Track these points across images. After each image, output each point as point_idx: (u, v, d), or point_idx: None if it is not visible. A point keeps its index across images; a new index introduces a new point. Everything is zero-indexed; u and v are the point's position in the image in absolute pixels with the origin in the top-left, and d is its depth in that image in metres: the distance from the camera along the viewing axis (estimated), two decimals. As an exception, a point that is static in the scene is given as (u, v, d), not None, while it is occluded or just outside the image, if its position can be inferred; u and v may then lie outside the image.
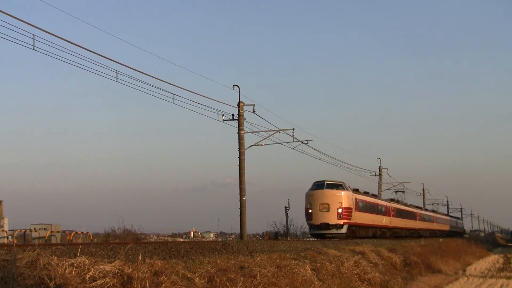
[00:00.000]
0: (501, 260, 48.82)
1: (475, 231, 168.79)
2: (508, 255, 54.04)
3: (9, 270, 9.56)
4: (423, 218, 71.81)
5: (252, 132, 36.01)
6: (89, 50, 22.23)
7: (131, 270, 10.88)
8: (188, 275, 12.00)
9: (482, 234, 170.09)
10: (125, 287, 10.48)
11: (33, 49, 19.79)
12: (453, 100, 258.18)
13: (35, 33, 19.80)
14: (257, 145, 37.07)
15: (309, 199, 39.91)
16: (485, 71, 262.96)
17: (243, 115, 34.20)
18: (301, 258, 19.41)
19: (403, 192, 75.89)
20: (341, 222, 38.85)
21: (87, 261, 10.64)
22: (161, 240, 25.96)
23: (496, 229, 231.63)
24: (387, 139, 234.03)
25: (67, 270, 10.12)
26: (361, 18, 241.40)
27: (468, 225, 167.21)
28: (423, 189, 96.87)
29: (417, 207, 72.55)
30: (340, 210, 38.73)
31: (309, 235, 47.30)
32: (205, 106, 30.86)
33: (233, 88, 34.22)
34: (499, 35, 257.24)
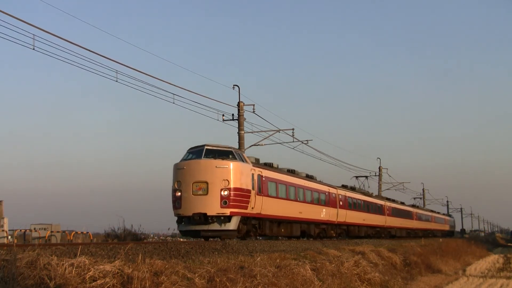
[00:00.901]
0: (501, 260, 48.80)
1: (475, 231, 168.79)
2: (508, 255, 54.01)
3: (9, 270, 9.56)
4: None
5: (252, 132, 35.97)
6: (89, 50, 22.19)
7: (131, 270, 10.88)
8: (188, 275, 12.01)
9: (482, 234, 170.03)
10: (125, 287, 10.49)
11: (33, 49, 19.79)
12: (453, 100, 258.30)
13: (35, 33, 19.75)
14: (257, 145, 37.07)
15: (178, 175, 25.17)
16: (485, 71, 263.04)
17: (243, 115, 34.20)
18: (301, 258, 19.42)
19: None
20: (228, 212, 24.18)
21: (87, 261, 10.64)
22: (161, 240, 25.88)
23: (496, 229, 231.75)
24: (387, 139, 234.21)
25: (67, 270, 10.12)
26: (361, 18, 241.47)
27: (468, 225, 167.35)
28: (423, 189, 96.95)
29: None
30: (225, 193, 24.17)
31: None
32: (205, 106, 30.78)
33: (233, 88, 34.23)
34: (500, 35, 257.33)
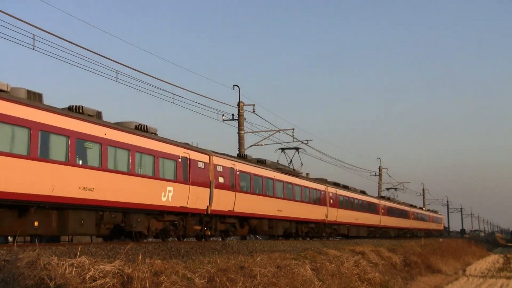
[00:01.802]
0: (501, 260, 48.86)
1: (475, 231, 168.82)
2: (508, 255, 54.05)
3: (9, 270, 9.57)
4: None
5: (252, 132, 35.97)
6: (89, 50, 22.08)
7: (131, 270, 10.88)
8: (188, 275, 12.01)
9: (482, 234, 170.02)
10: (125, 287, 10.49)
11: (33, 49, 19.75)
12: (453, 101, 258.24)
13: (35, 33, 19.62)
14: (257, 145, 37.09)
15: None
16: (485, 71, 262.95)
17: (243, 115, 34.20)
18: (301, 258, 19.41)
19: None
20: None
21: (87, 261, 10.64)
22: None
23: (496, 229, 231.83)
24: (387, 139, 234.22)
25: (67, 270, 10.12)
26: (362, 19, 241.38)
27: (468, 225, 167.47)
28: (423, 189, 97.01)
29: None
30: None
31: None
32: (205, 106, 30.73)
33: (233, 88, 34.24)
34: (500, 36, 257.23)
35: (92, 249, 14.22)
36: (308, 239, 34.66)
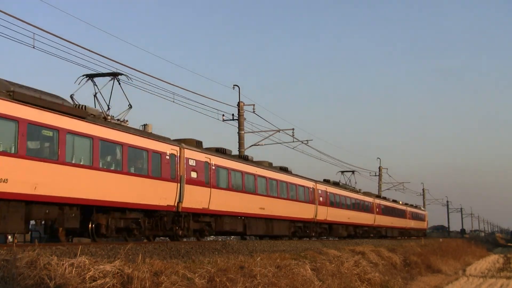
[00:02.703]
0: (501, 260, 48.87)
1: (475, 231, 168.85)
2: (508, 255, 54.07)
3: (9, 270, 9.55)
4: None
5: (252, 132, 35.97)
6: (89, 50, 22.08)
7: (131, 270, 10.87)
8: (188, 275, 12.00)
9: (482, 234, 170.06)
10: (125, 287, 10.48)
11: (33, 48, 19.74)
12: (453, 101, 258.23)
13: (35, 32, 19.60)
14: (257, 145, 37.09)
15: None
16: (485, 71, 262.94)
17: (243, 115, 34.20)
18: (301, 258, 19.41)
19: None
20: None
21: (87, 261, 10.63)
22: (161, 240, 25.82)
23: (496, 229, 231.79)
24: (387, 139, 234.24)
25: (67, 270, 10.11)
26: (362, 20, 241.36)
27: (468, 225, 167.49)
28: (423, 189, 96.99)
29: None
30: None
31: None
32: (205, 106, 30.72)
33: (233, 88, 34.27)
34: (500, 36, 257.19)
35: (92, 249, 14.21)
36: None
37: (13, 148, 14.61)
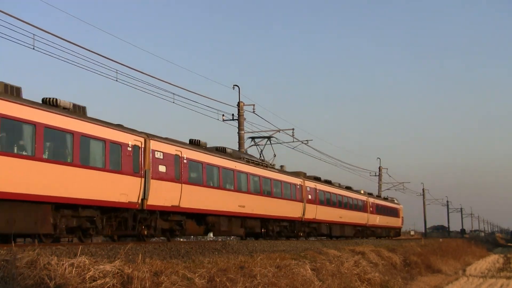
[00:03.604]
0: (501, 260, 48.88)
1: (475, 231, 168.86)
2: (508, 255, 54.07)
3: (9, 270, 9.55)
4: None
5: (252, 132, 35.95)
6: (89, 50, 22.07)
7: (131, 270, 10.87)
8: (188, 275, 12.00)
9: (482, 234, 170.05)
10: (125, 287, 10.48)
11: (33, 48, 19.76)
12: (453, 101, 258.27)
13: (35, 33, 19.59)
14: (257, 145, 37.05)
15: None
16: (485, 71, 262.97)
17: (243, 115, 34.22)
18: (301, 258, 19.41)
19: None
20: None
21: (87, 261, 10.63)
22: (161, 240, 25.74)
23: (496, 229, 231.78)
24: (387, 139, 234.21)
25: (67, 270, 10.11)
26: (362, 20, 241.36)
27: (468, 225, 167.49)
28: (423, 189, 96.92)
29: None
30: None
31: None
32: (205, 106, 30.73)
33: (233, 88, 34.31)
34: (500, 36, 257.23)
35: (92, 249, 14.21)
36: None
37: None
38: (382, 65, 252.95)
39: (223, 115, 33.71)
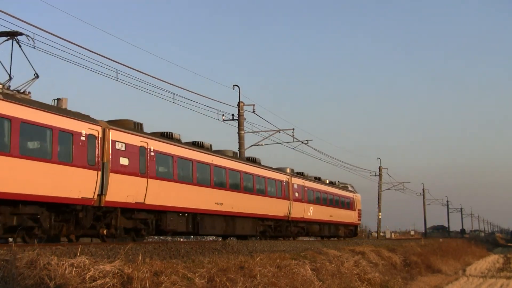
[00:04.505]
0: (501, 260, 48.89)
1: (475, 231, 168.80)
2: (508, 255, 54.08)
3: (9, 270, 9.55)
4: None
5: (252, 132, 36.01)
6: (89, 50, 22.05)
7: (131, 270, 10.87)
8: (188, 275, 12.00)
9: (482, 234, 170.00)
10: (125, 287, 10.48)
11: (34, 48, 19.72)
12: (453, 101, 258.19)
13: (35, 33, 19.38)
14: (257, 145, 37.14)
15: None
16: (485, 72, 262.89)
17: (243, 115, 34.23)
18: (301, 258, 19.41)
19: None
20: None
21: (87, 261, 10.63)
22: (161, 240, 25.57)
23: (496, 229, 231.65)
24: (387, 139, 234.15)
25: (67, 270, 10.11)
26: (362, 19, 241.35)
27: (468, 225, 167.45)
28: (423, 189, 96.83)
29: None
30: None
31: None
32: (205, 106, 30.72)
33: (233, 88, 34.33)
34: (500, 36, 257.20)
35: (92, 249, 14.21)
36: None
37: None
38: (382, 65, 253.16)
39: (223, 115, 33.74)
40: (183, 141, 23.33)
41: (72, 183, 16.71)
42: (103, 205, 18.01)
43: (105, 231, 18.69)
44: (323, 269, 18.41)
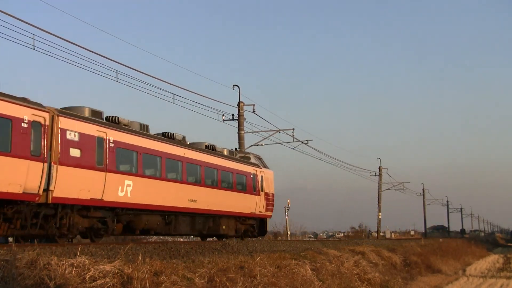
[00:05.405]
0: (501, 260, 48.89)
1: (475, 231, 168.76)
2: (508, 255, 54.09)
3: (9, 270, 9.55)
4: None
5: (252, 132, 36.04)
6: (89, 50, 22.04)
7: (131, 270, 10.87)
8: (188, 275, 12.01)
9: (482, 234, 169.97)
10: (125, 287, 10.48)
11: (33, 49, 19.75)
12: (453, 101, 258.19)
13: (35, 33, 19.51)
14: (257, 145, 37.18)
15: None
16: (485, 72, 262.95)
17: (243, 115, 34.25)
18: (301, 258, 19.41)
19: None
20: None
21: (87, 261, 10.63)
22: (161, 240, 25.43)
23: (496, 229, 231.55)
24: (387, 139, 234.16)
25: (67, 270, 10.12)
26: (362, 19, 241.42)
27: (468, 225, 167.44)
28: (423, 189, 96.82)
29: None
30: None
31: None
32: (205, 106, 30.71)
33: (233, 88, 34.35)
34: (500, 36, 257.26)
35: (92, 249, 14.21)
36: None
37: None
38: (382, 65, 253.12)
39: (223, 115, 33.77)
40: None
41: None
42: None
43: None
44: (323, 269, 18.41)
